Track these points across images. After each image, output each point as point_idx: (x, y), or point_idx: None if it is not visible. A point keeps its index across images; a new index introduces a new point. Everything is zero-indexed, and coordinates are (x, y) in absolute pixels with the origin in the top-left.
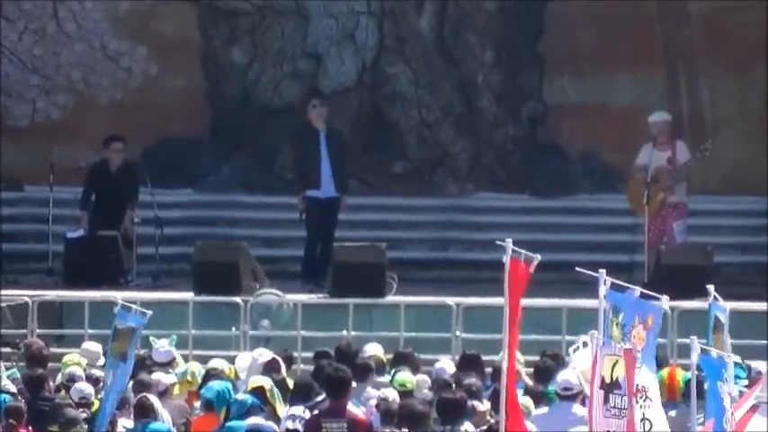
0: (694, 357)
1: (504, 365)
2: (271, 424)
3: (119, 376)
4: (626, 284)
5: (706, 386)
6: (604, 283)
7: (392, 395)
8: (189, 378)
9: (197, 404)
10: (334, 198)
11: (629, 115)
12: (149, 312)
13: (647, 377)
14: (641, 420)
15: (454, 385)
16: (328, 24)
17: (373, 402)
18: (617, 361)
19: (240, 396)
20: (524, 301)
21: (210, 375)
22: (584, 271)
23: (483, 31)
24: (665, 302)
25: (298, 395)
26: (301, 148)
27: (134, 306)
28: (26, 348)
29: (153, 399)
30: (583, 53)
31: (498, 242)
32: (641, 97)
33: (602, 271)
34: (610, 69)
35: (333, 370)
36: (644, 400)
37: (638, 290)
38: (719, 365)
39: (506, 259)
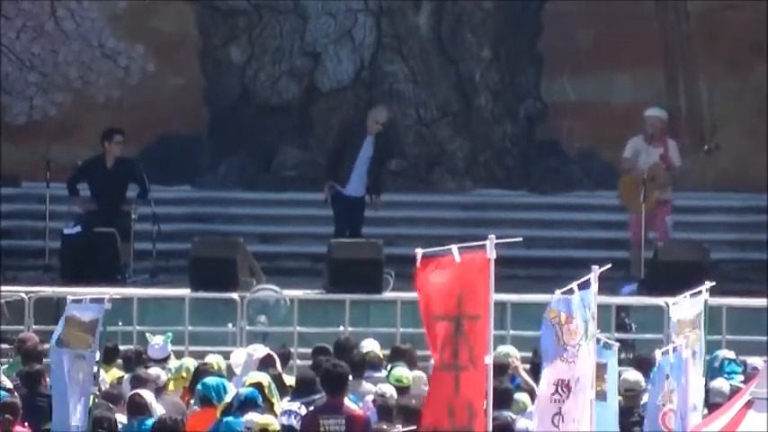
0: (687, 354)
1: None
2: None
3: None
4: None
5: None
6: (594, 280)
7: (389, 391)
8: (184, 374)
9: (191, 400)
10: (360, 198)
11: (627, 113)
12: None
13: (567, 370)
14: (554, 415)
15: None
16: (326, 22)
17: (370, 398)
18: None
19: (235, 391)
20: (522, 297)
21: (201, 371)
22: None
23: (481, 30)
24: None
25: (301, 390)
26: (342, 143)
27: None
28: (20, 343)
29: (146, 395)
30: (581, 51)
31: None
32: (640, 95)
33: (596, 267)
34: (609, 68)
35: (331, 366)
36: (560, 394)
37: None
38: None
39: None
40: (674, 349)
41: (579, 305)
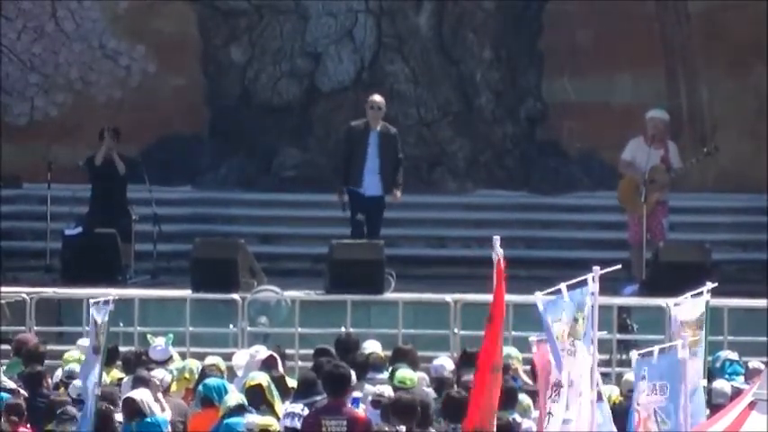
0: (684, 354)
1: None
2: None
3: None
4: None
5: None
6: (593, 280)
7: (387, 392)
8: (187, 375)
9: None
10: (378, 197)
11: (628, 114)
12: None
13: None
14: (547, 414)
15: (455, 383)
16: (327, 23)
17: (369, 398)
18: None
19: (236, 392)
20: (522, 298)
21: (205, 372)
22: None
23: (482, 30)
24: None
25: (302, 391)
26: (348, 146)
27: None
28: (19, 344)
29: (140, 395)
30: (582, 52)
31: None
32: (640, 96)
33: (597, 268)
34: (609, 68)
35: (332, 367)
36: (556, 395)
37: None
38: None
39: (495, 256)
40: (664, 350)
41: (568, 305)
